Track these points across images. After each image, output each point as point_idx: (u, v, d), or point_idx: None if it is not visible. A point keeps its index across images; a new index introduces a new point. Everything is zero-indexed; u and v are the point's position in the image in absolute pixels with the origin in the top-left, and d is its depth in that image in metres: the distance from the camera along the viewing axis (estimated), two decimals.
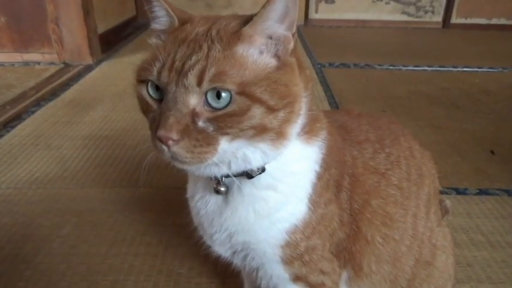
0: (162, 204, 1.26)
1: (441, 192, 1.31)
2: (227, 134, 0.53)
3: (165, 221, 1.19)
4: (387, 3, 3.81)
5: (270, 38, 0.55)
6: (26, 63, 2.54)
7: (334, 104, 2.05)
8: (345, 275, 0.72)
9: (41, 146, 1.59)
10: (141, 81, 0.57)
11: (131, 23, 3.44)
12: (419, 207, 0.73)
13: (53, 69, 2.45)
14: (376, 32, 3.69)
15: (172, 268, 1.03)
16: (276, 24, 0.54)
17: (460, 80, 2.45)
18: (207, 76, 0.51)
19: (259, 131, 0.54)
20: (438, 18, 3.83)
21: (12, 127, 1.75)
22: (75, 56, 2.55)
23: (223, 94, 0.51)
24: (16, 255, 1.07)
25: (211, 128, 0.52)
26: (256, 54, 0.54)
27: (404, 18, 3.84)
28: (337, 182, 0.66)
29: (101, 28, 2.71)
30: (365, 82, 2.41)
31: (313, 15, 3.84)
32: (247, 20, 0.55)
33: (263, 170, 0.60)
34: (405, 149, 0.75)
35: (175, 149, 0.51)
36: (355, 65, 2.71)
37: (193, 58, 0.52)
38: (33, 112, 1.91)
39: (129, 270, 1.02)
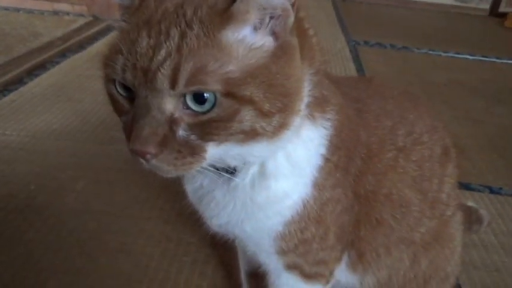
0: None
1: (473, 190, 1.26)
2: (213, 140, 0.45)
3: (181, 187, 1.15)
4: None
5: (264, 9, 0.43)
6: (56, 13, 2.49)
7: None
8: (345, 259, 0.68)
9: (63, 98, 1.56)
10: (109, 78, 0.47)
11: None
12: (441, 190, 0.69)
13: (81, 21, 2.39)
14: (418, 14, 3.49)
15: (182, 236, 0.99)
16: None
17: (503, 73, 2.30)
18: (182, 76, 0.41)
19: (250, 136, 0.45)
20: (486, 5, 3.58)
21: (36, 75, 1.73)
22: (105, 10, 2.48)
23: (205, 95, 0.42)
24: (28, 205, 1.05)
25: (193, 136, 0.44)
26: (249, 35, 0.44)
27: (450, 2, 3.61)
28: (347, 163, 0.59)
29: None
30: (401, 65, 2.27)
31: None
32: None
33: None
34: (429, 125, 0.69)
35: (154, 162, 0.43)
36: (392, 45, 2.56)
37: (162, 51, 0.41)
38: (58, 63, 1.87)
39: (139, 234, 0.99)
